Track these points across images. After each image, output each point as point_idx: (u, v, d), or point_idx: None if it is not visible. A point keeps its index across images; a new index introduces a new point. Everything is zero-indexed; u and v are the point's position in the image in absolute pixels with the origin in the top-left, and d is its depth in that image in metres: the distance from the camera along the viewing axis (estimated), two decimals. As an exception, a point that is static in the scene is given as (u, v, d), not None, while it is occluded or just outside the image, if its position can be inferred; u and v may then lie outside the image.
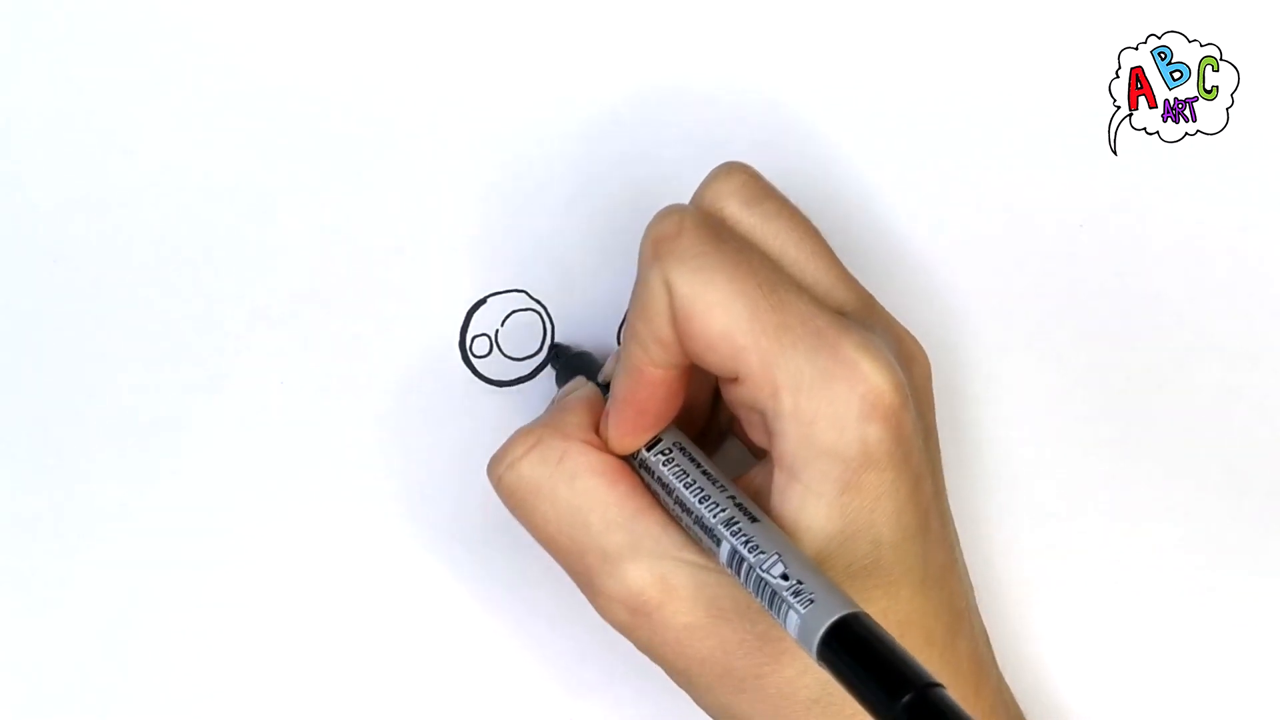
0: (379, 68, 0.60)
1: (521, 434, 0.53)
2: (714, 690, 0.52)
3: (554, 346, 0.59)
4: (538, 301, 0.60)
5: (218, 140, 0.60)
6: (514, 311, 0.60)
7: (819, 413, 0.50)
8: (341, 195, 0.60)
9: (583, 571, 0.53)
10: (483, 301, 0.60)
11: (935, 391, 0.56)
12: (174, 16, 0.59)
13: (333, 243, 0.59)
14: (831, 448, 0.50)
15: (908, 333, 0.55)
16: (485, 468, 0.54)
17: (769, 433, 0.51)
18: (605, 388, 0.55)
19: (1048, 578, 0.59)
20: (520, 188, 0.60)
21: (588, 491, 0.52)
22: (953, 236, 0.60)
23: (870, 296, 0.54)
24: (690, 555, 0.52)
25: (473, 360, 0.60)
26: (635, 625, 0.52)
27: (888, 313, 0.55)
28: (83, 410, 0.59)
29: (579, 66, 0.60)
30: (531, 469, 0.53)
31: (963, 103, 0.60)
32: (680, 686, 0.53)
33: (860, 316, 0.53)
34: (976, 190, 0.60)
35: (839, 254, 0.55)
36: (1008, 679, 0.56)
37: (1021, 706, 0.57)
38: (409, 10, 0.60)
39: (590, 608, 0.53)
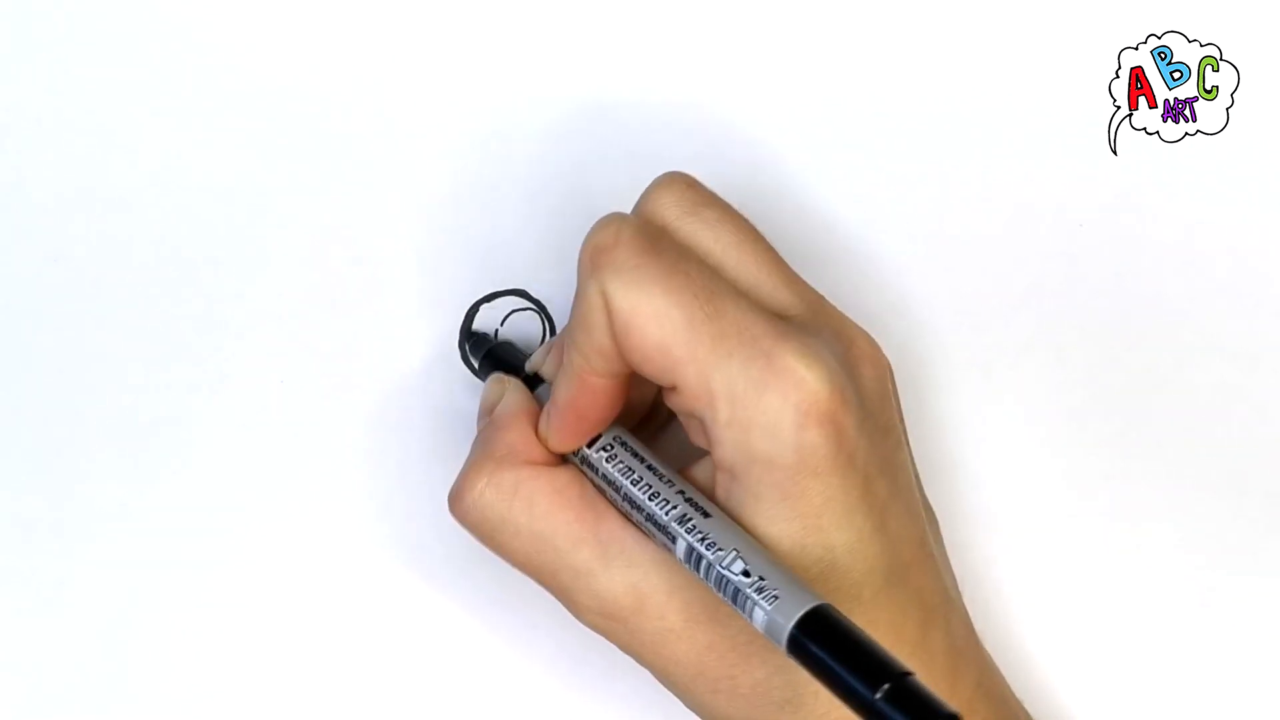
0: (380, 68, 0.60)
1: (473, 471, 0.54)
2: (691, 690, 0.53)
3: (471, 335, 0.59)
4: (537, 302, 0.60)
5: (218, 140, 0.60)
6: (514, 311, 0.60)
7: (753, 421, 0.50)
8: (341, 195, 0.60)
9: (558, 588, 0.53)
10: (483, 301, 0.60)
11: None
12: (174, 16, 0.59)
13: (333, 243, 0.59)
14: (768, 456, 0.50)
15: (862, 333, 0.54)
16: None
17: (709, 440, 0.51)
18: (531, 380, 0.56)
19: (1047, 578, 0.59)
20: (520, 187, 0.60)
21: (548, 514, 0.53)
22: (953, 236, 0.60)
23: (818, 297, 0.54)
24: (658, 556, 0.52)
25: (472, 360, 0.59)
26: (612, 630, 0.53)
27: (839, 313, 0.54)
28: (83, 410, 0.59)
29: (579, 65, 0.60)
30: (489, 506, 0.53)
31: (963, 103, 0.60)
32: (663, 685, 0.53)
33: (806, 319, 0.53)
34: (976, 190, 0.60)
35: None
36: (1006, 677, 0.56)
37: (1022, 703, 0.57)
38: (410, 10, 0.60)
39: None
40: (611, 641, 0.53)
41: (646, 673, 0.54)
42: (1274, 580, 0.59)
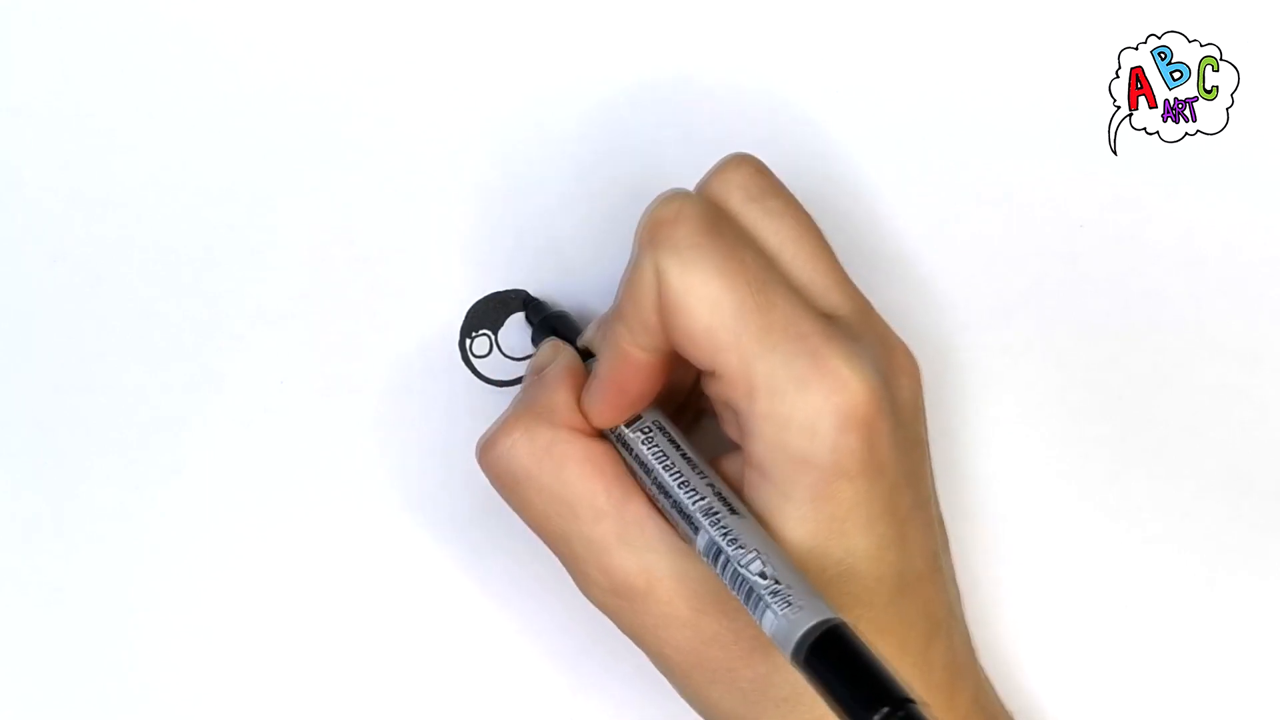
0: (379, 67, 0.60)
1: (510, 421, 0.53)
2: (689, 678, 0.53)
3: (528, 302, 0.59)
4: (538, 301, 0.60)
5: (218, 140, 0.60)
6: (516, 308, 0.60)
7: (792, 419, 0.50)
8: (341, 195, 0.60)
9: (569, 556, 0.53)
10: (483, 301, 0.60)
11: (935, 392, 0.56)
12: (174, 16, 0.60)
13: (333, 243, 0.59)
14: (803, 455, 0.50)
15: (901, 343, 0.54)
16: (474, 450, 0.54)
17: (743, 431, 0.51)
18: (584, 353, 0.55)
19: (1046, 577, 0.59)
20: (521, 187, 0.60)
21: (575, 481, 0.53)
22: (953, 236, 0.60)
23: (866, 302, 0.54)
24: (675, 544, 0.52)
25: (473, 360, 0.60)
26: (617, 608, 0.53)
27: (883, 321, 0.54)
28: (83, 410, 0.59)
29: (579, 64, 0.60)
30: (520, 458, 0.53)
31: (963, 102, 0.60)
32: (659, 671, 0.54)
33: (852, 322, 0.53)
34: (977, 190, 0.60)
35: (842, 259, 0.55)
36: (1004, 680, 0.56)
37: (1019, 707, 0.57)
38: (410, 9, 0.60)
39: (582, 593, 0.54)
40: (613, 620, 0.53)
41: (647, 663, 0.54)
42: (1274, 580, 0.59)
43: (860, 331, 0.53)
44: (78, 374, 0.59)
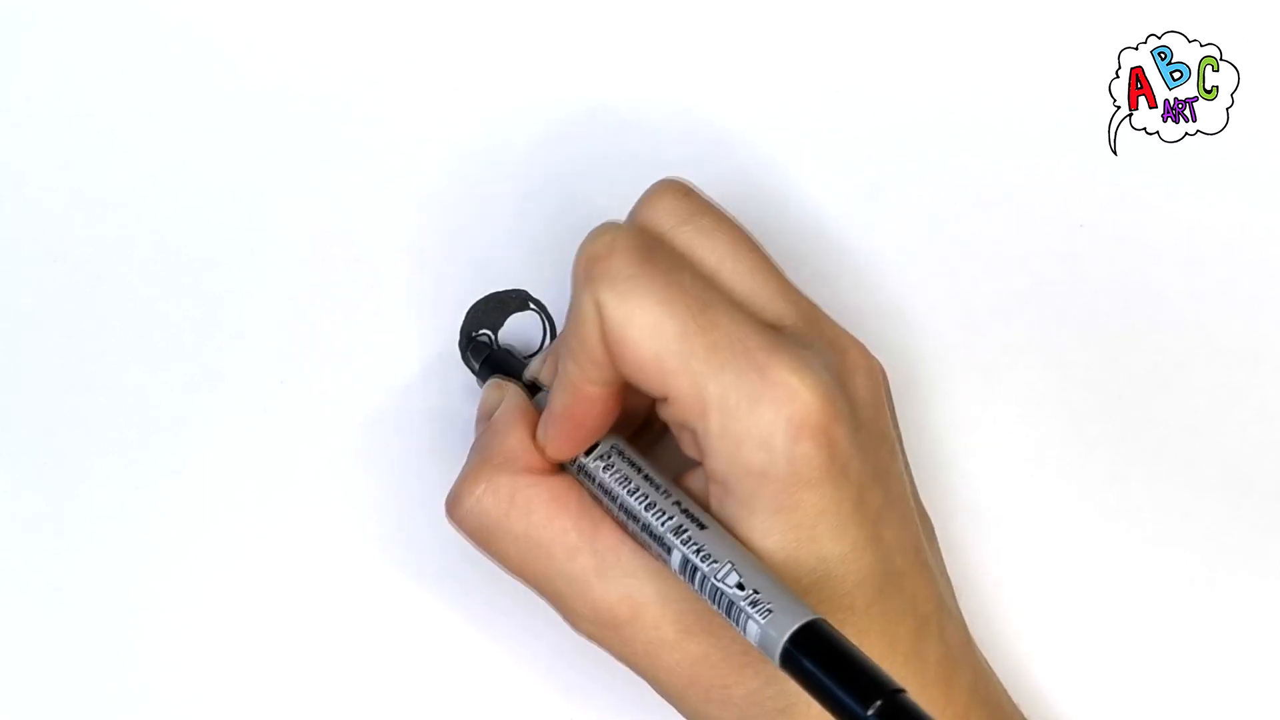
0: (381, 67, 0.60)
1: (471, 475, 0.54)
2: (685, 698, 0.53)
3: (470, 341, 0.59)
4: (538, 302, 0.60)
5: (218, 140, 0.60)
6: (515, 310, 0.60)
7: (747, 434, 0.50)
8: (342, 195, 0.60)
9: (553, 596, 0.54)
10: (483, 302, 0.60)
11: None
12: (174, 16, 0.60)
13: (332, 243, 0.59)
14: (761, 469, 0.50)
15: (855, 342, 0.54)
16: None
17: (701, 450, 0.51)
18: (530, 387, 0.56)
19: (1046, 579, 0.59)
20: (521, 188, 0.60)
21: (545, 523, 0.53)
22: (953, 236, 0.60)
23: (812, 307, 0.54)
24: (653, 567, 0.52)
25: (473, 363, 0.59)
26: (606, 639, 0.53)
27: (832, 323, 0.54)
28: (83, 410, 0.59)
29: (579, 66, 0.60)
30: (487, 511, 0.53)
31: (963, 102, 0.60)
32: (657, 694, 0.53)
33: (799, 330, 0.53)
34: (976, 190, 0.60)
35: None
36: (1004, 681, 0.56)
37: (1019, 706, 0.57)
38: (410, 9, 0.60)
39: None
40: (605, 650, 0.53)
41: (640, 679, 0.54)
42: (1274, 580, 0.59)
43: (808, 337, 0.53)
44: (78, 374, 0.59)
